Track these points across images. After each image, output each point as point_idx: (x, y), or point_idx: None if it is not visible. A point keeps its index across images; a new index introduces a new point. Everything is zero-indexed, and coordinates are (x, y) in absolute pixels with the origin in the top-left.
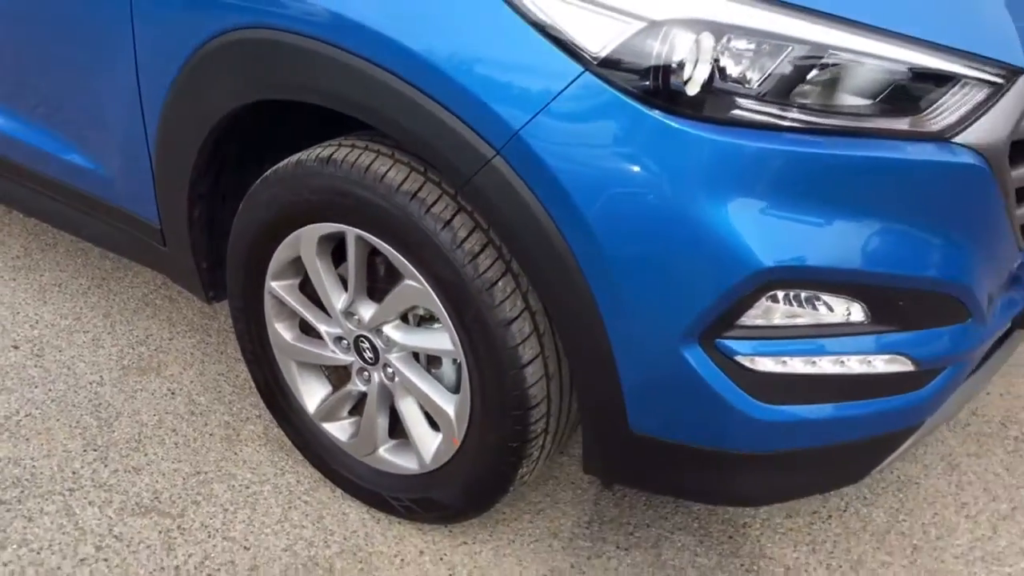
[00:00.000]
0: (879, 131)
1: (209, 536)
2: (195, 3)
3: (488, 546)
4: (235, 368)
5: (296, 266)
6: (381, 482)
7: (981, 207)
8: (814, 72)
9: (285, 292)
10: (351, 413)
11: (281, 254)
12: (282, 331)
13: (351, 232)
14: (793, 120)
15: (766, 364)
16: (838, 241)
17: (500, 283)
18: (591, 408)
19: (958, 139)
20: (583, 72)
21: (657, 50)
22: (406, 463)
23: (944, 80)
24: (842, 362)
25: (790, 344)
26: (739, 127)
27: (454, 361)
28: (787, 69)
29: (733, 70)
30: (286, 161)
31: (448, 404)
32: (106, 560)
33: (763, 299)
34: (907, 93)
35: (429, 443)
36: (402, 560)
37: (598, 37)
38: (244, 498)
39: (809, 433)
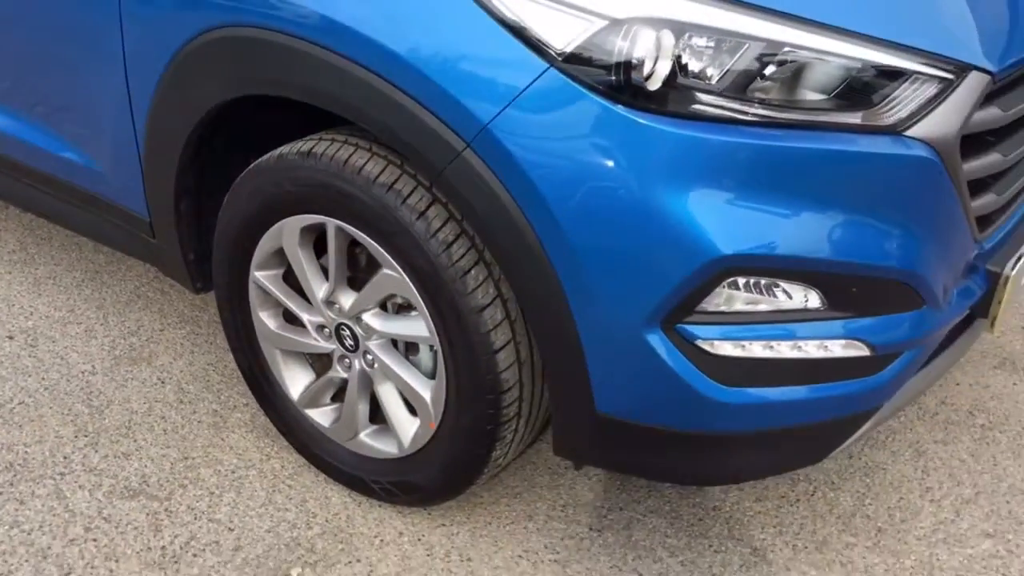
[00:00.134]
0: (834, 125)
1: (195, 518)
2: (180, 2)
3: (465, 527)
4: (223, 358)
5: (279, 257)
6: (362, 466)
7: (933, 198)
8: (771, 68)
9: (269, 282)
10: (333, 400)
11: (265, 245)
12: (266, 320)
13: (331, 223)
14: (751, 114)
15: (726, 348)
16: (794, 230)
17: (473, 271)
18: (559, 391)
19: (910, 132)
20: (548, 68)
21: (619, 47)
22: (386, 447)
23: (896, 76)
24: (799, 347)
25: (749, 329)
26: (699, 121)
27: (430, 347)
28: (744, 65)
29: (694, 66)
30: (269, 155)
31: (425, 389)
32: (95, 540)
33: (723, 286)
34: (860, 88)
35: (407, 427)
36: (382, 541)
37: (563, 34)
38: (230, 482)
39: (769, 415)
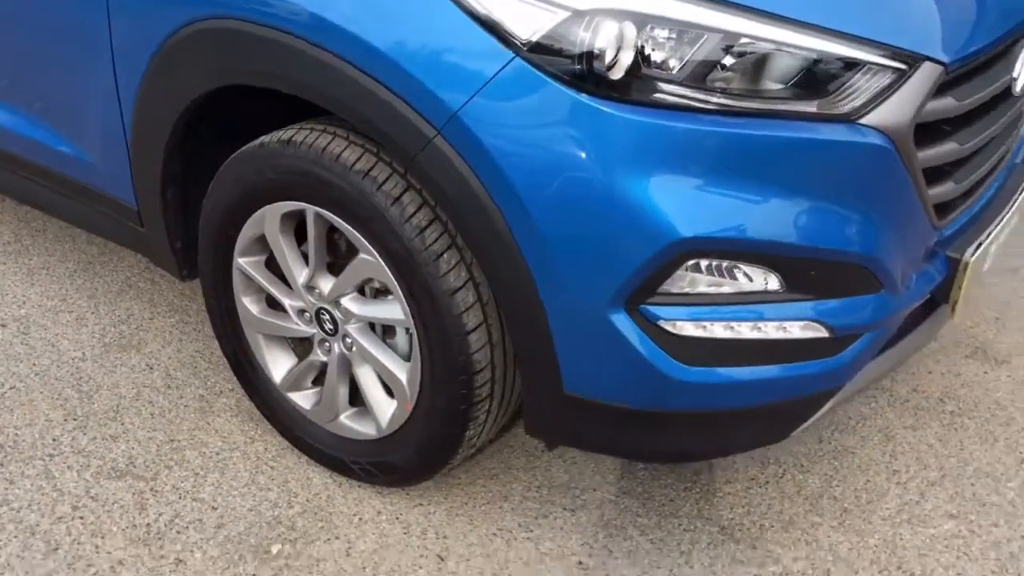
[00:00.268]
0: (791, 113)
1: (180, 497)
2: None
3: (442, 507)
4: (211, 346)
5: (262, 243)
6: (342, 447)
7: (888, 185)
8: (729, 59)
9: (252, 268)
10: (314, 383)
11: (247, 232)
12: (249, 305)
13: (310, 209)
14: (711, 103)
15: (688, 328)
16: (753, 214)
17: (445, 255)
18: (529, 372)
19: (864, 121)
20: (514, 57)
21: (581, 37)
22: (365, 429)
23: (851, 66)
24: (759, 328)
25: (710, 310)
26: (661, 109)
27: (406, 330)
28: (704, 56)
29: (656, 57)
30: (251, 143)
31: (401, 371)
32: (82, 518)
33: (685, 268)
34: (816, 78)
35: (385, 409)
36: (360, 519)
37: (527, 25)
38: (214, 463)
39: (731, 394)
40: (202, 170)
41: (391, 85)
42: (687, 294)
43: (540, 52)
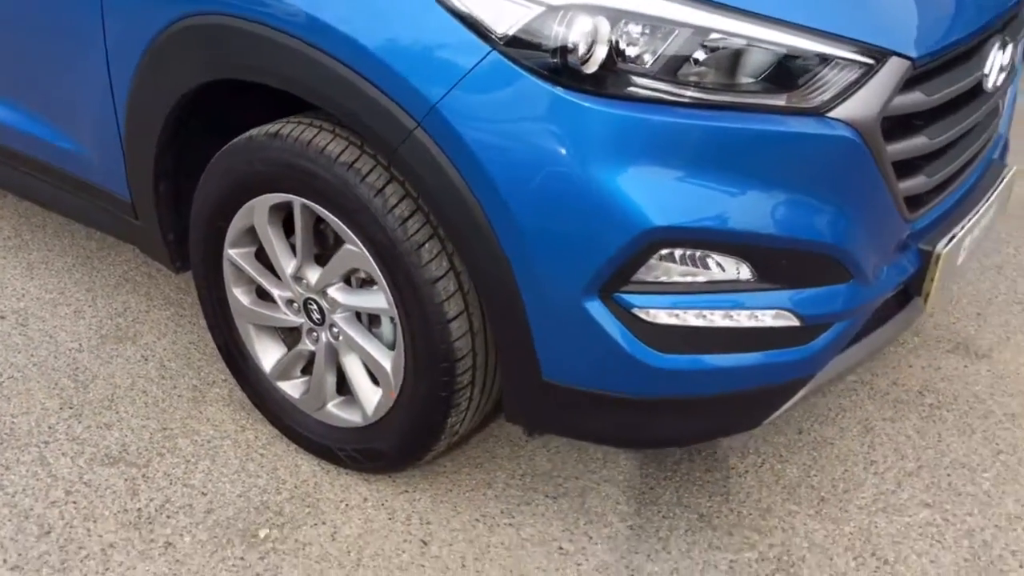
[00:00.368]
0: (762, 106)
1: (171, 483)
2: None
3: (427, 494)
4: (205, 338)
5: (251, 235)
6: (330, 435)
7: (857, 177)
8: (700, 53)
9: (242, 259)
10: (303, 372)
11: (237, 223)
12: (240, 296)
13: (297, 201)
14: (684, 96)
15: (661, 316)
16: (724, 205)
17: (427, 245)
18: (508, 359)
19: (832, 114)
20: (491, 51)
21: (556, 32)
22: (351, 416)
23: (820, 61)
24: (731, 316)
25: (682, 298)
26: (634, 102)
27: (391, 319)
28: (675, 50)
29: (630, 51)
30: (240, 137)
31: (386, 359)
32: (75, 503)
33: (657, 257)
34: (786, 72)
35: (370, 397)
36: (347, 505)
37: (504, 19)
38: (205, 451)
39: (704, 381)
40: (194, 164)
41: (374, 79)
42: (661, 283)
43: (516, 46)
